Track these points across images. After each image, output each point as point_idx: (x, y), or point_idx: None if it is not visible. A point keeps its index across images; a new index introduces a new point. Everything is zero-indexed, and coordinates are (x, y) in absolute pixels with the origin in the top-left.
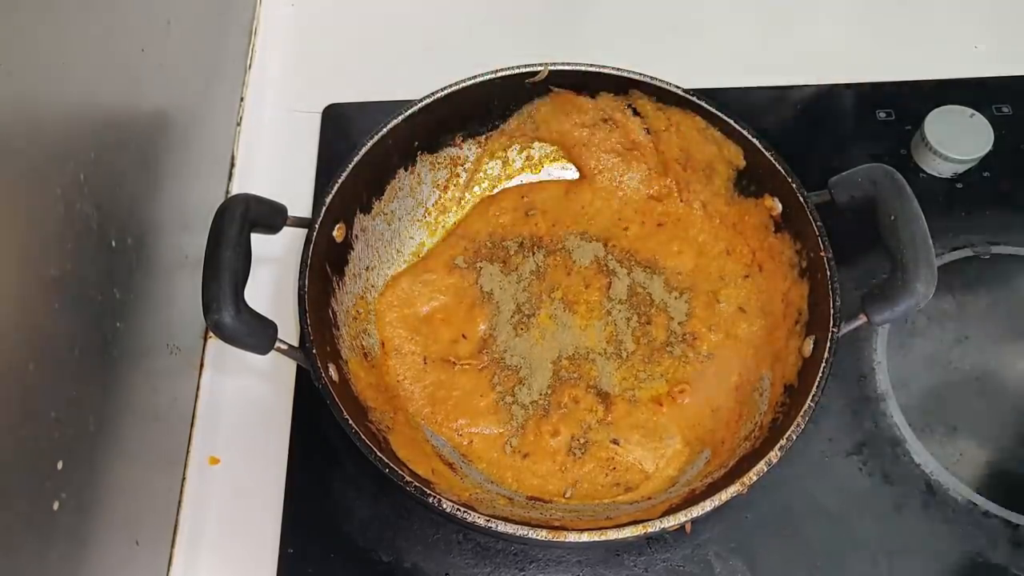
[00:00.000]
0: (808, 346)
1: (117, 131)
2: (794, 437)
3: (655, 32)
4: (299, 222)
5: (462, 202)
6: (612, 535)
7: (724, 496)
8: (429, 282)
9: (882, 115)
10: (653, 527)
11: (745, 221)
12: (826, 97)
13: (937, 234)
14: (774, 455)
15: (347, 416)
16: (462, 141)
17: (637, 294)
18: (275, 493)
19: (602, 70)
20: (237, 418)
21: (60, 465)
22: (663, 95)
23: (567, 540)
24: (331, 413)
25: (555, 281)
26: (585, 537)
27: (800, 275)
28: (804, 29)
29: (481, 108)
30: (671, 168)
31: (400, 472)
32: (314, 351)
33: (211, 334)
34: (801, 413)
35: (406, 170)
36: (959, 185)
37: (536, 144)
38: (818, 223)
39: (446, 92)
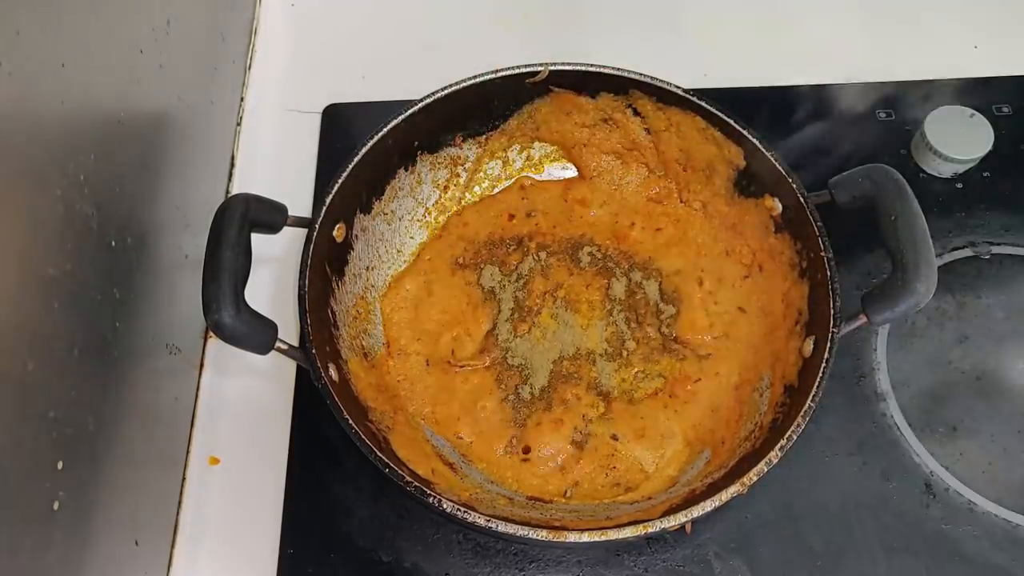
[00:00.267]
0: (808, 346)
1: (117, 131)
2: (794, 437)
3: (655, 32)
4: (299, 222)
5: (462, 202)
6: (612, 535)
7: (724, 496)
8: (432, 283)
9: (882, 115)
10: (653, 527)
11: (745, 221)
12: (826, 97)
13: (937, 234)
14: (774, 455)
15: (347, 416)
16: (462, 141)
17: (636, 294)
18: (275, 493)
19: (602, 70)
20: (237, 418)
21: (60, 465)
22: (663, 95)
23: (567, 540)
24: (331, 413)
25: (556, 281)
26: (585, 537)
27: (800, 275)
28: (804, 29)
29: (481, 108)
30: (671, 168)
31: (400, 472)
32: (314, 351)
33: (211, 334)
34: (801, 413)
35: (406, 170)
36: (959, 185)
37: (536, 144)
38: (818, 223)
39: (446, 92)
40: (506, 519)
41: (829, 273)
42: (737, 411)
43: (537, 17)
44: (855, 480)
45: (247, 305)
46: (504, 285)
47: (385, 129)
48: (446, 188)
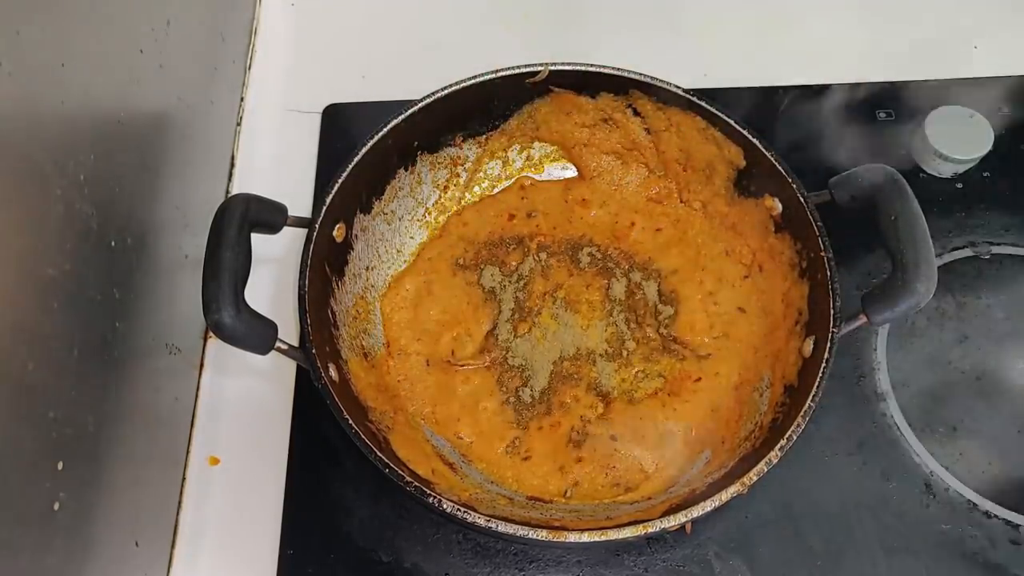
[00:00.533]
0: (808, 346)
1: (117, 131)
2: (794, 437)
3: (655, 32)
4: (299, 222)
5: (462, 202)
6: (612, 535)
7: (724, 496)
8: (432, 283)
9: (882, 115)
10: (653, 527)
11: (745, 221)
12: (826, 97)
13: (937, 234)
14: (774, 455)
15: (347, 416)
16: (462, 141)
17: (636, 295)
18: (275, 493)
19: (602, 70)
20: (237, 418)
21: (60, 465)
22: (663, 95)
23: (567, 540)
24: (331, 413)
25: (556, 281)
26: (585, 537)
27: (800, 275)
28: (804, 29)
29: (481, 108)
30: (671, 168)
31: (400, 472)
32: (314, 351)
33: (211, 334)
34: (801, 413)
35: (406, 170)
36: (959, 185)
37: (536, 144)
38: (818, 223)
39: (446, 92)
40: (506, 519)
41: (829, 273)
42: (737, 411)
43: (537, 17)
44: (855, 480)
45: (247, 305)
46: (504, 285)
47: (385, 129)
48: (446, 188)
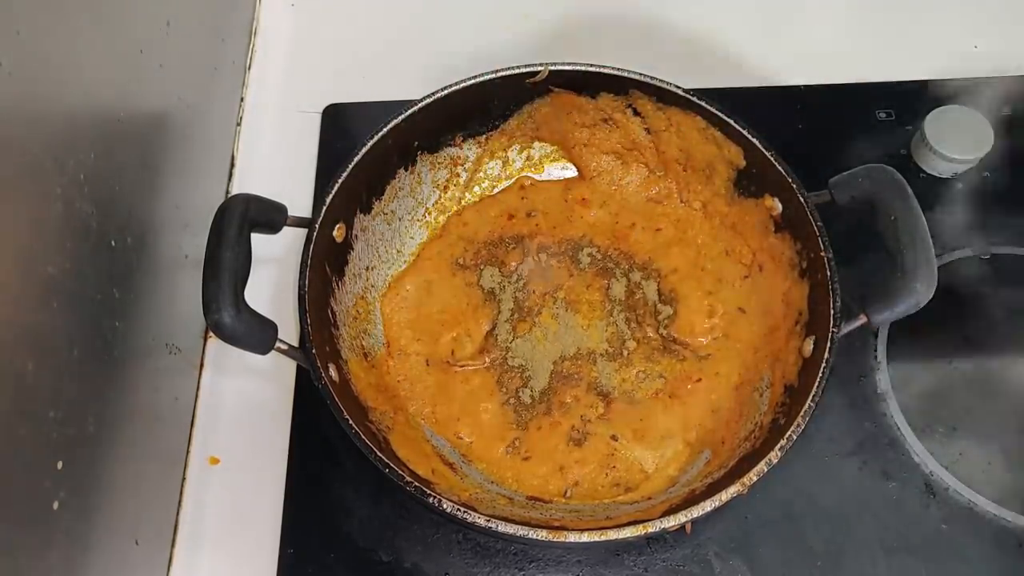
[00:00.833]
0: (808, 346)
1: (117, 130)
2: (794, 437)
3: (655, 32)
4: (299, 222)
5: (462, 202)
6: (612, 535)
7: (724, 496)
8: (432, 283)
9: (882, 115)
10: (653, 527)
11: (745, 221)
12: (826, 97)
13: (937, 234)
14: (774, 455)
15: (347, 416)
16: (462, 141)
17: (636, 295)
18: (275, 493)
19: (602, 70)
20: (237, 418)
21: (60, 465)
22: (663, 95)
23: (567, 540)
24: (331, 413)
25: (556, 282)
26: (585, 537)
27: (800, 275)
28: (804, 29)
29: (481, 108)
30: (671, 168)
31: (400, 472)
32: (314, 351)
33: (211, 334)
34: (801, 413)
35: (406, 170)
36: (959, 185)
37: (536, 144)
38: (818, 223)
39: (446, 92)
40: (506, 519)
41: (829, 273)
42: (737, 411)
43: (537, 17)
44: (855, 480)
45: (247, 305)
46: (504, 286)
47: (385, 129)
48: (446, 188)
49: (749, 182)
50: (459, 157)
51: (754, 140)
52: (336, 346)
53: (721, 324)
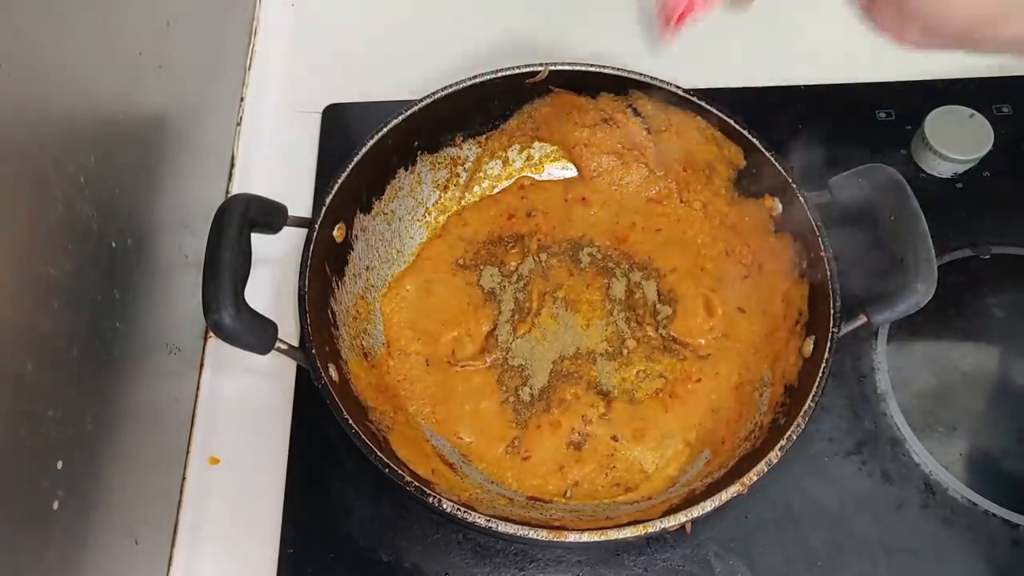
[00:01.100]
0: (808, 346)
1: (117, 131)
2: (794, 437)
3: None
4: (299, 222)
5: (462, 202)
6: (612, 535)
7: (724, 496)
8: (432, 283)
9: (882, 115)
10: (653, 527)
11: (745, 221)
12: (826, 97)
13: (937, 234)
14: (774, 455)
15: (347, 416)
16: (462, 141)
17: (636, 294)
18: (275, 493)
19: (602, 70)
20: (237, 418)
21: (59, 465)
22: (663, 95)
23: (567, 540)
24: (331, 413)
25: (556, 281)
26: (585, 537)
27: (800, 275)
28: (804, 29)
29: (481, 108)
30: (671, 168)
31: (400, 472)
32: (314, 351)
33: (211, 334)
34: (801, 413)
35: (406, 170)
36: (959, 185)
37: (536, 144)
38: (818, 223)
39: (446, 92)
40: (506, 519)
41: (829, 273)
42: (737, 411)
43: (537, 17)
44: (855, 480)
45: (247, 305)
46: (504, 286)
47: (385, 129)
48: (446, 188)
49: (749, 182)
50: (459, 157)
51: (754, 140)
52: (336, 346)
53: (721, 324)
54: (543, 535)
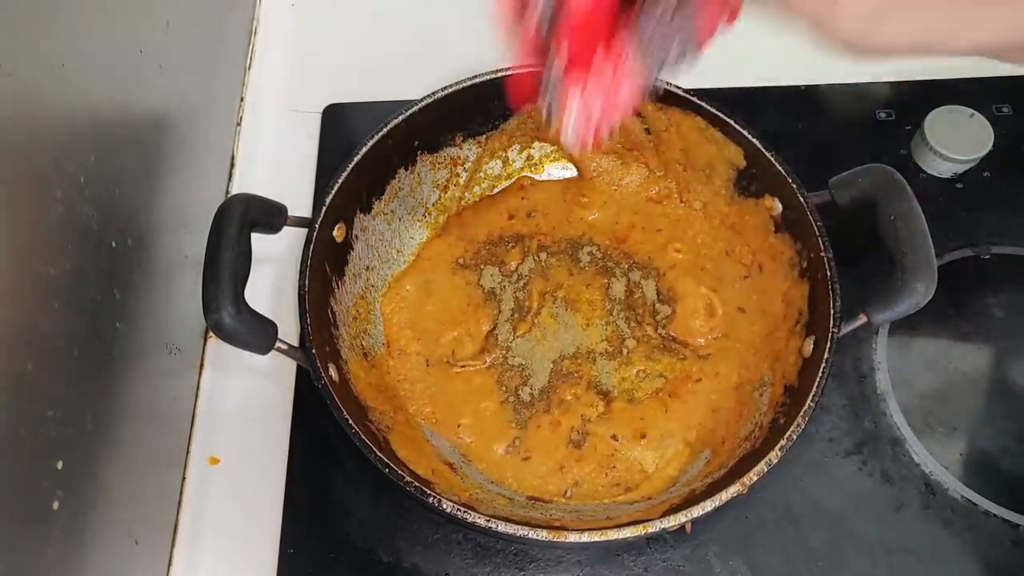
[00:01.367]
0: (808, 346)
1: (117, 131)
2: (794, 437)
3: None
4: (299, 222)
5: (462, 202)
6: (612, 535)
7: (724, 496)
8: (432, 283)
9: (882, 115)
10: (653, 527)
11: (745, 221)
12: (826, 97)
13: (937, 234)
14: (774, 455)
15: (347, 416)
16: (462, 141)
17: (636, 294)
18: (275, 493)
19: None
20: (237, 418)
21: (59, 465)
22: (663, 95)
23: (567, 540)
24: (331, 413)
25: (556, 281)
26: (585, 537)
27: (800, 275)
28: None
29: (481, 108)
30: (671, 168)
31: (400, 472)
32: (314, 351)
33: (211, 334)
34: (801, 413)
35: (406, 170)
36: (959, 185)
37: (536, 144)
38: (818, 223)
39: (446, 92)
40: (506, 519)
41: (829, 273)
42: (737, 411)
43: None
44: (855, 480)
45: (247, 305)
46: (504, 286)
47: (385, 129)
48: (446, 188)
49: (749, 182)
50: (459, 157)
51: (754, 140)
52: (336, 346)
53: (721, 324)
54: (543, 535)
